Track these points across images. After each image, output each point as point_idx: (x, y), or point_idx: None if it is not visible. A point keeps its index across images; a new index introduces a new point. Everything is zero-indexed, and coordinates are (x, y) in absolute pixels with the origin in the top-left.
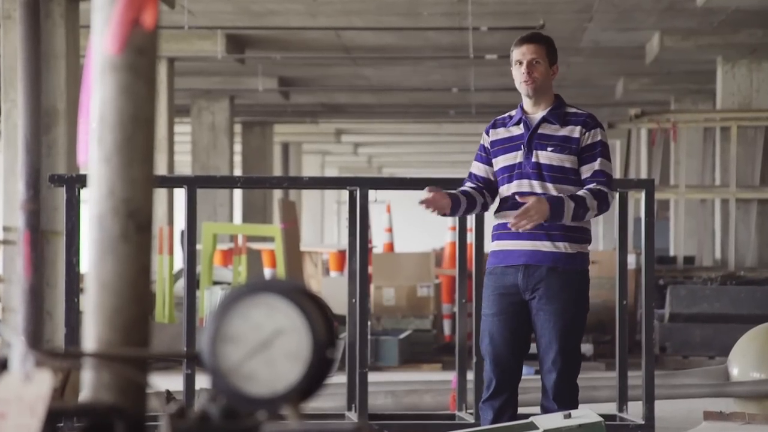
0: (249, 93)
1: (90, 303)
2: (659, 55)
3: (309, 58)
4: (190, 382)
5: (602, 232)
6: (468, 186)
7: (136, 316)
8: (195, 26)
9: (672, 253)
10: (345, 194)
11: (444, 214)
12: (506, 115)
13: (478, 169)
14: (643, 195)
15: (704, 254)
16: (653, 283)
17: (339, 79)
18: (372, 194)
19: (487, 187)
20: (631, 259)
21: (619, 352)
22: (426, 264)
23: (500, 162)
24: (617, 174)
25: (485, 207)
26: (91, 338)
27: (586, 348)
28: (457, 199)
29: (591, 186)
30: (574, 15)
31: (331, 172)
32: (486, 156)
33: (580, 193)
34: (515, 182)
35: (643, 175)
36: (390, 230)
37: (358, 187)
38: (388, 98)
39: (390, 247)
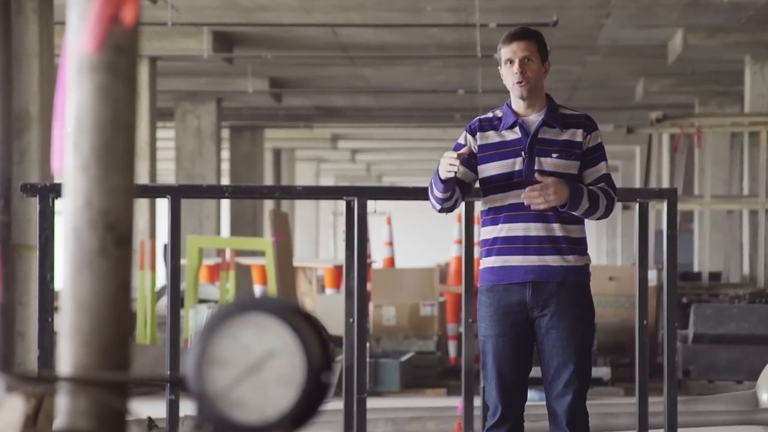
0: (237, 95)
1: (65, 323)
2: (682, 54)
3: (303, 57)
4: (173, 408)
5: (621, 246)
6: None
7: (115, 336)
8: (179, 22)
9: (696, 268)
10: (342, 205)
11: (450, 177)
12: (491, 115)
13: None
14: (664, 206)
15: (731, 270)
16: (676, 302)
17: (335, 80)
18: (371, 205)
19: (461, 188)
20: (652, 276)
21: (639, 376)
22: (429, 280)
23: (492, 169)
24: (636, 183)
25: (455, 204)
26: (66, 361)
27: (604, 372)
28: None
29: (602, 185)
30: (591, 11)
31: (326, 181)
32: (467, 158)
33: (595, 189)
34: (515, 191)
35: (665, 184)
36: (390, 244)
37: (356, 197)
38: (388, 101)
39: (390, 262)
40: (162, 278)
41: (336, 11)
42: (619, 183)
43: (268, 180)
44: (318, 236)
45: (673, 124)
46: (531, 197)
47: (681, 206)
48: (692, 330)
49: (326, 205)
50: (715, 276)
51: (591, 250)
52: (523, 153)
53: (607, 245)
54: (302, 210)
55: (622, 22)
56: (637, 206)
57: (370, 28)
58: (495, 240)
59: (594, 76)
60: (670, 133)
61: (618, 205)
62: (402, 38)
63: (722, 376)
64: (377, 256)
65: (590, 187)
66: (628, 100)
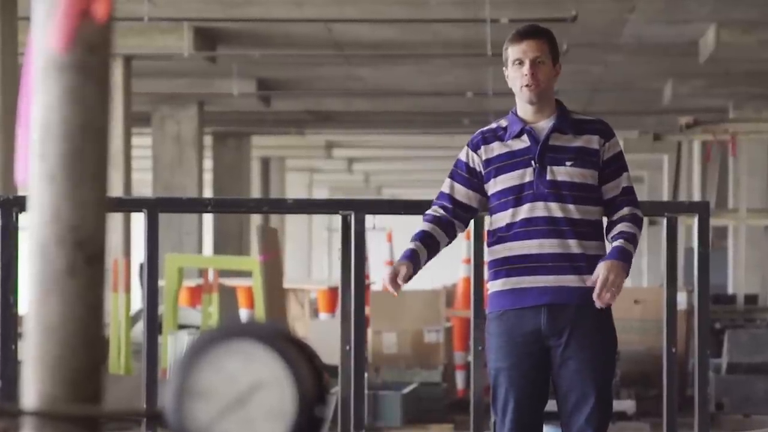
0: (221, 98)
1: (30, 350)
2: (715, 53)
3: (294, 56)
4: None
5: (647, 264)
6: (434, 214)
7: (86, 365)
8: (156, 17)
9: (730, 290)
10: (337, 220)
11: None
12: (495, 126)
13: (458, 192)
14: (695, 221)
15: None
16: (708, 327)
17: (330, 81)
18: (369, 220)
19: (463, 215)
20: (682, 298)
21: (667, 410)
22: (434, 304)
23: (500, 183)
24: (664, 196)
25: (449, 243)
26: (31, 393)
27: (628, 405)
28: (417, 259)
29: (625, 213)
30: (613, 4)
31: (320, 194)
32: (470, 178)
33: (628, 230)
34: (526, 206)
35: (696, 197)
36: (391, 263)
37: (353, 212)
38: (388, 104)
39: None
40: (138, 301)
41: (330, 5)
42: (645, 195)
43: (256, 192)
44: (311, 255)
45: (704, 130)
46: (603, 299)
47: (713, 221)
48: (726, 359)
49: (320, 220)
50: (751, 299)
51: None
52: (533, 162)
53: (632, 264)
54: (293, 226)
55: (648, 16)
56: (665, 221)
57: (368, 24)
58: (505, 260)
59: (617, 77)
60: (701, 140)
61: (644, 220)
62: (403, 35)
63: (759, 409)
64: (376, 277)
65: (623, 232)
66: (655, 104)
